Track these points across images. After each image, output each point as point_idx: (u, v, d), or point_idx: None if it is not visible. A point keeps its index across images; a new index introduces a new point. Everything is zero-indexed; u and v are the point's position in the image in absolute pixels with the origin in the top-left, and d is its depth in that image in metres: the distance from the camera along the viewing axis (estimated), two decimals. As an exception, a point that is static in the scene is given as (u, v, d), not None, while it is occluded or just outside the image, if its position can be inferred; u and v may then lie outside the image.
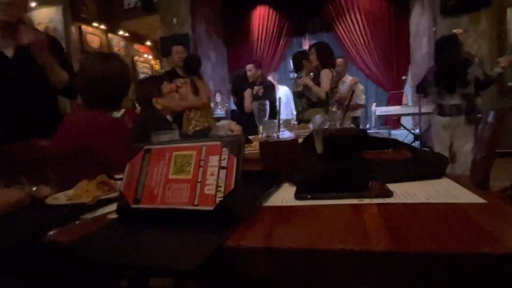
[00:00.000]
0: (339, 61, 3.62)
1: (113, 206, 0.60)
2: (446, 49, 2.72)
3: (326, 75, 2.88)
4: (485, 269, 0.32)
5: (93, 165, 0.64)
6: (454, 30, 3.01)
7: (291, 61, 3.38)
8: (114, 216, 0.58)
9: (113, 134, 1.17)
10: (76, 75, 1.30)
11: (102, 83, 1.20)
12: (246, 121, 3.22)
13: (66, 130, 1.18)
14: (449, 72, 2.70)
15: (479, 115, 2.68)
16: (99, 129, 1.14)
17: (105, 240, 0.49)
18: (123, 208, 0.57)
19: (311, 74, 2.99)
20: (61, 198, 0.71)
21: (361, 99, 3.70)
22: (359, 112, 3.72)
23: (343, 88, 3.54)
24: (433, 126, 2.98)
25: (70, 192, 0.73)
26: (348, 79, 3.67)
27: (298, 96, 3.06)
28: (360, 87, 3.73)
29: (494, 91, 4.10)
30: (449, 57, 2.69)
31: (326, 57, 2.96)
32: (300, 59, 3.12)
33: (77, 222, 0.57)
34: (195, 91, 2.92)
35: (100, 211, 0.62)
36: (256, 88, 3.33)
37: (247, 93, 3.33)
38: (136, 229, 0.52)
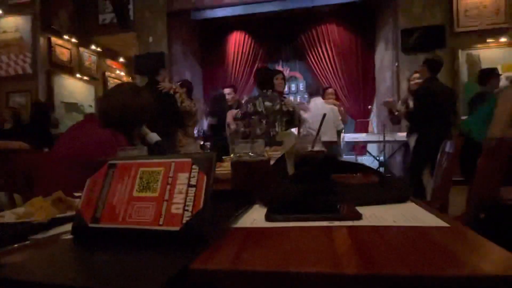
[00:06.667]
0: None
1: (69, 226, 0.55)
2: None
3: None
4: (451, 291, 0.32)
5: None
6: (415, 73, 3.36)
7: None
8: (69, 236, 0.53)
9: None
10: (102, 96, 1.38)
11: (127, 112, 1.28)
12: (221, 141, 3.32)
13: (82, 140, 1.21)
14: None
15: None
16: (115, 146, 1.15)
17: (55, 262, 0.44)
18: (80, 227, 0.52)
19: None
20: (8, 216, 0.64)
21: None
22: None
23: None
24: None
25: (20, 209, 0.66)
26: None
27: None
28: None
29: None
30: None
31: None
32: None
33: (25, 242, 0.52)
34: None
35: (53, 231, 0.57)
36: (234, 111, 3.60)
37: (230, 114, 3.53)
38: (92, 250, 0.48)
